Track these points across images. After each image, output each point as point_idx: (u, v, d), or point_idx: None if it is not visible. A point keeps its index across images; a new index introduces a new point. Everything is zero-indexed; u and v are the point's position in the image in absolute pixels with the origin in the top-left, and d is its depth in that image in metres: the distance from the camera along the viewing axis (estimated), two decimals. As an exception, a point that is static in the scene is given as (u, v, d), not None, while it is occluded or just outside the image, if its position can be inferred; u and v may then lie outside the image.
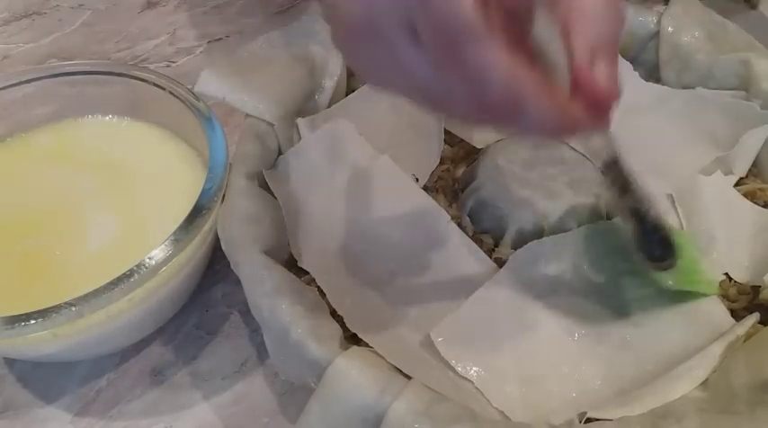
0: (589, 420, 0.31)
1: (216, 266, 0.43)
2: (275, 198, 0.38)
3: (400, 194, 0.40)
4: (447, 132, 0.43)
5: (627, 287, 0.37)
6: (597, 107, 0.26)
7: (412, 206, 0.39)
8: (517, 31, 0.27)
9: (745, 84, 0.42)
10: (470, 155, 0.43)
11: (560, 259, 0.38)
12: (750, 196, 0.40)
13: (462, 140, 0.43)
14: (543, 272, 0.37)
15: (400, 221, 0.39)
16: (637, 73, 0.46)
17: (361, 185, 0.40)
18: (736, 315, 0.36)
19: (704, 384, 0.32)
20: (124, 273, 0.33)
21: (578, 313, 0.36)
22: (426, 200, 0.39)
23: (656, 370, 0.34)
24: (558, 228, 0.38)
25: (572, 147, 0.42)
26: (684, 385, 0.32)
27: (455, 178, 0.42)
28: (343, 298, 0.36)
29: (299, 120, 0.41)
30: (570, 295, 0.37)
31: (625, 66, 0.45)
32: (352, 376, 0.30)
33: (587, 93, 0.25)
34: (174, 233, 0.34)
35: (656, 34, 0.45)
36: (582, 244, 0.38)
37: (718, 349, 0.33)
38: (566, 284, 0.37)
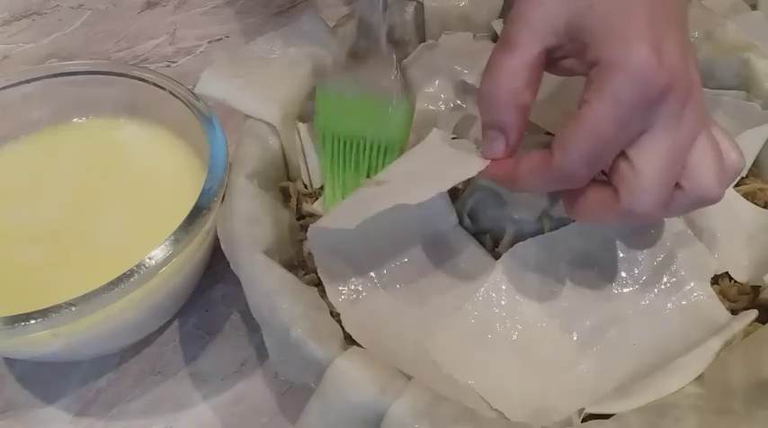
0: (588, 417, 0.31)
1: (216, 266, 0.43)
2: (274, 196, 0.38)
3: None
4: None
5: (625, 280, 0.37)
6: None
7: (422, 202, 0.39)
8: None
9: (745, 84, 0.42)
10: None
11: (553, 257, 0.38)
12: (750, 196, 0.40)
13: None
14: (536, 273, 0.37)
15: (403, 218, 0.39)
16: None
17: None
18: (736, 315, 0.36)
19: (700, 379, 0.32)
20: (124, 273, 0.33)
21: (575, 311, 0.36)
22: (427, 199, 0.39)
23: (654, 364, 0.34)
24: (558, 228, 0.38)
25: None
26: (681, 379, 0.32)
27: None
28: (343, 290, 0.36)
29: (301, 125, 0.42)
30: (567, 293, 0.37)
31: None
32: (352, 376, 0.30)
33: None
34: (174, 233, 0.34)
35: (656, 34, 0.45)
36: (576, 239, 0.38)
37: (715, 344, 0.33)
38: (561, 282, 0.37)
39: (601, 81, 0.29)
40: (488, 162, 0.34)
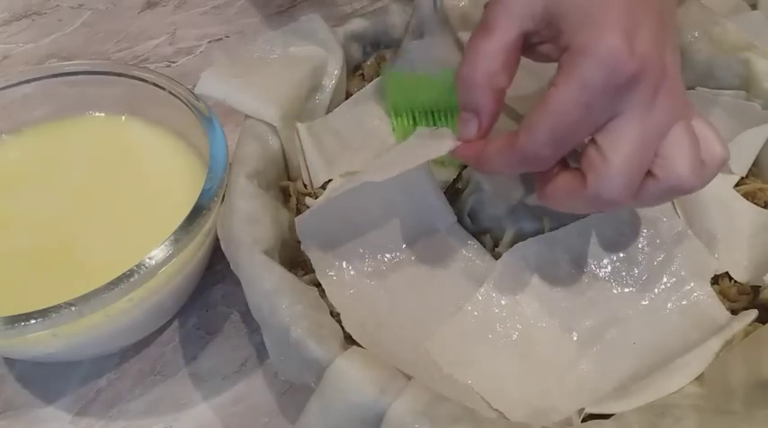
0: (588, 417, 0.31)
1: (216, 266, 0.43)
2: (274, 196, 0.38)
3: (404, 191, 0.40)
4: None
5: (625, 280, 0.37)
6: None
7: (414, 203, 0.39)
8: None
9: (745, 84, 0.42)
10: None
11: (553, 257, 0.38)
12: (750, 196, 0.40)
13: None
14: (536, 273, 0.37)
15: (403, 217, 0.39)
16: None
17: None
18: (736, 315, 0.36)
19: (700, 379, 0.32)
20: (124, 273, 0.33)
21: (575, 311, 0.36)
22: (427, 198, 0.39)
23: (654, 364, 0.34)
24: (557, 228, 0.38)
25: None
26: (681, 379, 0.32)
27: (455, 178, 0.42)
28: (342, 291, 0.36)
29: (299, 125, 0.42)
30: (567, 293, 0.37)
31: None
32: (351, 376, 0.30)
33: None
34: (174, 233, 0.34)
35: (656, 34, 0.45)
36: (576, 239, 0.38)
37: (715, 345, 0.33)
38: (561, 282, 0.37)
39: (570, 65, 0.29)
40: (458, 142, 0.34)
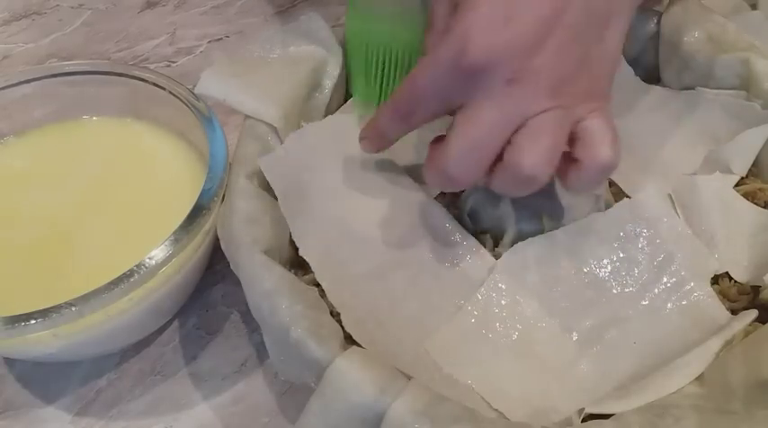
0: (588, 417, 0.31)
1: (216, 266, 0.43)
2: (274, 196, 0.38)
3: (403, 191, 0.40)
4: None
5: (625, 280, 0.37)
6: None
7: (413, 203, 0.39)
8: None
9: (745, 84, 0.42)
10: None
11: (553, 257, 0.38)
12: (750, 196, 0.40)
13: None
14: (536, 273, 0.37)
15: (403, 217, 0.39)
16: (638, 77, 0.46)
17: (365, 179, 0.40)
18: (736, 315, 0.36)
19: (700, 379, 0.32)
20: (124, 273, 0.33)
21: (575, 310, 0.36)
22: (427, 199, 0.39)
23: (654, 364, 0.34)
24: (557, 228, 0.38)
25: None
26: (681, 379, 0.32)
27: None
28: (341, 291, 0.36)
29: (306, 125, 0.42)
30: (567, 293, 0.37)
31: (625, 70, 0.45)
32: (351, 376, 0.30)
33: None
34: (174, 233, 0.34)
35: (656, 34, 0.45)
36: (576, 239, 0.38)
37: (715, 345, 0.33)
38: (561, 282, 0.37)
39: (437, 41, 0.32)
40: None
